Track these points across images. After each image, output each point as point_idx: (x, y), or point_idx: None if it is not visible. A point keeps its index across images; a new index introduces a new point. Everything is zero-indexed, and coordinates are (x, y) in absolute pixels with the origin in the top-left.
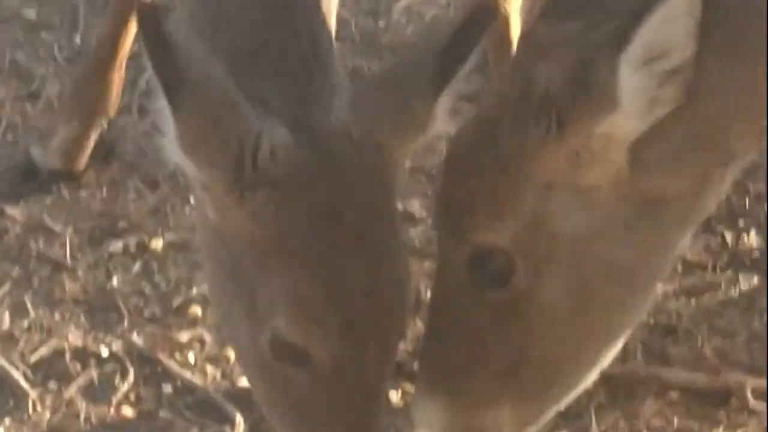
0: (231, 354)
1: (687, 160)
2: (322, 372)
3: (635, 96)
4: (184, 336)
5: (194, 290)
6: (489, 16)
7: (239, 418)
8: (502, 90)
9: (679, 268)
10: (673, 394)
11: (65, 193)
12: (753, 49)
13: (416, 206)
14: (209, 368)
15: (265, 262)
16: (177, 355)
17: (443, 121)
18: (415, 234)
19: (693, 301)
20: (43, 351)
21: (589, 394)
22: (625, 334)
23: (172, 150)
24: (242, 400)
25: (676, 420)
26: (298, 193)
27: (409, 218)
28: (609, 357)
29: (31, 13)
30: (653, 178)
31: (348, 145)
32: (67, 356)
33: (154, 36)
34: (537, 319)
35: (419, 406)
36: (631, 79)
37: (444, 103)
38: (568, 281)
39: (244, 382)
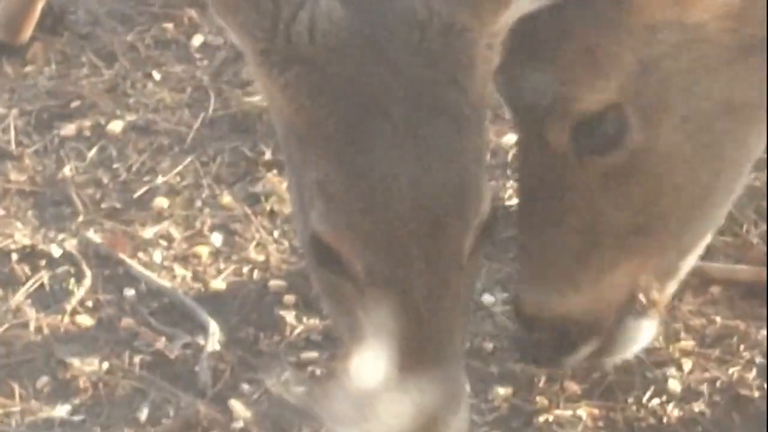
0: (203, 251)
1: None
2: (359, 285)
3: None
4: (148, 232)
5: (159, 179)
6: None
7: (213, 326)
8: None
9: None
10: (715, 290)
11: (8, 70)
12: None
13: None
14: (178, 269)
15: (303, 146)
16: (140, 254)
17: None
18: None
19: None
20: None
21: None
22: (748, 167)
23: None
24: (216, 304)
25: (718, 319)
26: (337, 74)
27: None
28: (737, 193)
29: None
30: (750, 14)
31: (408, 23)
32: (14, 257)
33: None
34: (660, 171)
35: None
36: None
37: None
38: (687, 124)
39: (219, 284)
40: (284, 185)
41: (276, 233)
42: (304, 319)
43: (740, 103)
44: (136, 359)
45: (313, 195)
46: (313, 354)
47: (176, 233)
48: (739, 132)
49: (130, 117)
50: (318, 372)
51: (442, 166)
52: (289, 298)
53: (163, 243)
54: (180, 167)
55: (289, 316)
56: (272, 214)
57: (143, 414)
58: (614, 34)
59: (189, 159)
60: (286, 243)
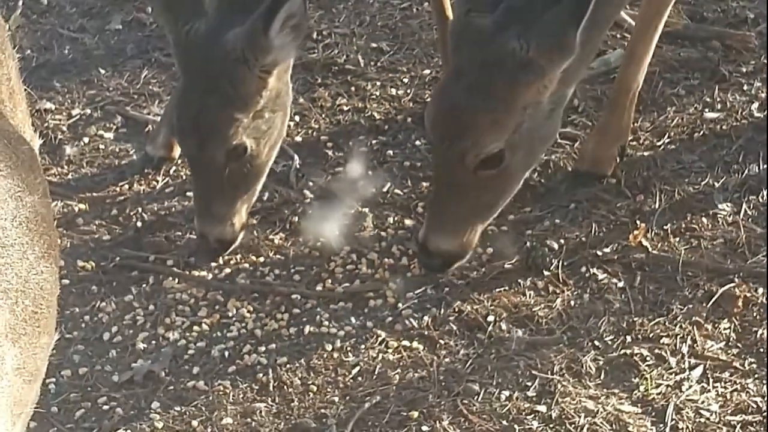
0: None
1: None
2: None
3: (578, 48)
4: None
5: None
6: None
7: None
8: (477, 60)
9: None
10: None
11: None
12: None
13: None
14: None
15: None
16: None
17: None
18: None
19: None
20: None
21: None
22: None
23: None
24: None
25: None
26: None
27: None
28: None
29: None
30: (565, 86)
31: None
32: None
33: None
34: (508, 177)
35: (432, 238)
36: (580, 40)
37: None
38: (525, 152)
39: None
40: None
41: None
42: None
43: (548, 135)
44: None
45: None
46: None
47: None
48: (543, 150)
49: None
50: None
51: None
52: None
53: None
54: None
55: None
56: None
57: None
58: (507, 113)
59: None
60: None
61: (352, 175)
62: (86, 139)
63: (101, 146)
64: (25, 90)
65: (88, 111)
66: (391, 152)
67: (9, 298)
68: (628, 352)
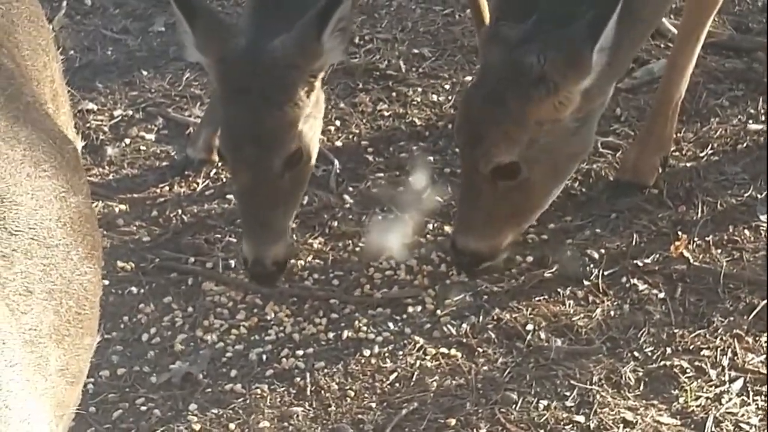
0: None
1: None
2: None
3: (596, 66)
4: None
5: None
6: None
7: None
8: (495, 70)
9: None
10: None
11: None
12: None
13: None
14: None
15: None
16: None
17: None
18: None
19: None
20: None
21: None
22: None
23: (193, 52)
24: None
25: None
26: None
27: None
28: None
29: None
30: (589, 103)
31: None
32: None
33: None
34: (531, 190)
35: (460, 237)
36: (597, 58)
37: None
38: (548, 167)
39: None
40: None
41: None
42: None
43: (576, 151)
44: None
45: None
46: None
47: None
48: (573, 165)
49: None
50: None
51: None
52: None
53: None
54: None
55: None
56: None
57: None
58: (518, 126)
59: None
60: None
61: (392, 181)
62: (128, 140)
63: (142, 147)
64: (68, 91)
65: (130, 112)
66: (431, 158)
67: (53, 299)
68: (668, 363)
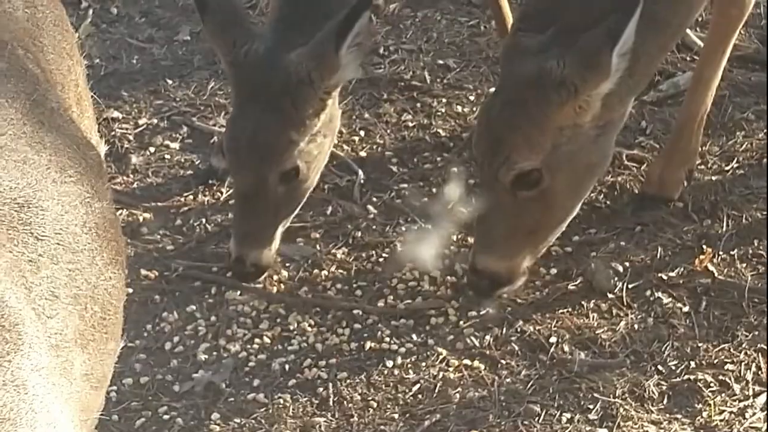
0: None
1: (623, 100)
2: None
3: (616, 71)
4: None
5: None
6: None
7: None
8: (516, 77)
9: None
10: None
11: None
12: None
13: None
14: None
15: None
16: None
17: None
18: None
19: None
20: None
21: None
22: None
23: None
24: None
25: None
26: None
27: None
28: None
29: None
30: (609, 112)
31: None
32: None
33: None
34: (553, 199)
35: (479, 258)
36: (616, 61)
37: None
38: (569, 176)
39: None
40: None
41: None
42: None
43: (596, 162)
44: None
45: None
46: None
47: None
48: (592, 178)
49: None
50: None
51: None
52: None
53: None
54: None
55: None
56: None
57: None
58: (540, 131)
59: None
60: None
61: (416, 191)
62: (152, 149)
63: (167, 156)
64: (93, 99)
65: (155, 121)
66: (455, 169)
67: (78, 303)
68: (692, 377)
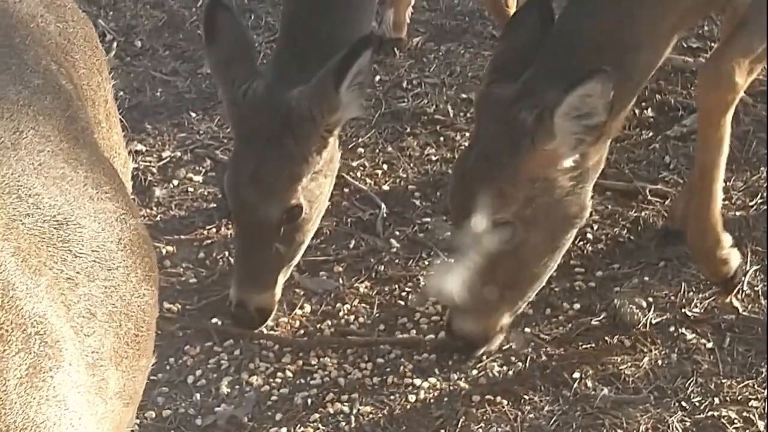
0: None
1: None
2: None
3: (565, 134)
4: None
5: None
6: None
7: None
8: (488, 128)
9: None
10: None
11: None
12: None
13: None
14: None
15: None
16: None
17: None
18: None
19: None
20: None
21: None
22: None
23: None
24: None
25: None
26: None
27: None
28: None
29: None
30: (584, 161)
31: None
32: None
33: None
34: (528, 255)
35: (455, 319)
36: (562, 124)
37: None
38: (544, 228)
39: None
40: None
41: None
42: None
43: (572, 214)
44: None
45: None
46: None
47: None
48: (570, 229)
49: None
50: None
51: None
52: None
53: None
54: None
55: None
56: None
57: None
58: (512, 183)
59: None
60: None
61: (439, 225)
62: (175, 182)
63: (190, 189)
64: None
65: (179, 153)
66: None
67: (114, 321)
68: (716, 414)
